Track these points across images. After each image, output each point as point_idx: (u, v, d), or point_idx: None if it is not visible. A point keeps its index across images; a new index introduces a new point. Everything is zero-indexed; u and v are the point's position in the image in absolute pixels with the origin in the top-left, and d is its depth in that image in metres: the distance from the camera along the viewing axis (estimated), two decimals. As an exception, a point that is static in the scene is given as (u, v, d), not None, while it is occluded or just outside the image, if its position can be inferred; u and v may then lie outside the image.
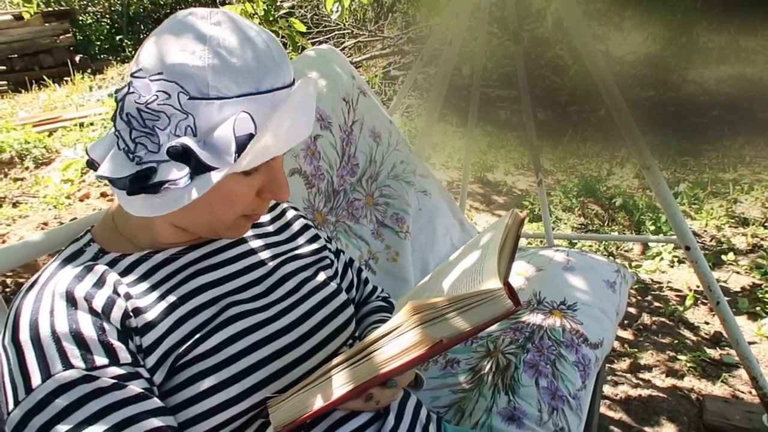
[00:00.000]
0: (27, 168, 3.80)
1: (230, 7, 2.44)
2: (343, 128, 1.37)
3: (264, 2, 2.50)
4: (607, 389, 1.99)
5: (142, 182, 0.66)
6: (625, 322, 2.42)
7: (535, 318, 1.30)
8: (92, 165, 0.71)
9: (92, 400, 0.61)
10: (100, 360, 0.64)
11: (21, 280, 2.51)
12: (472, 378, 1.19)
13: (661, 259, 2.93)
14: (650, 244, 3.06)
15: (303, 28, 2.55)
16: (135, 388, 0.64)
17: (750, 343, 2.15)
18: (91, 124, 4.60)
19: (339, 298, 0.88)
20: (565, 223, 3.44)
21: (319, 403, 0.67)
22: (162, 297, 0.73)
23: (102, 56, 8.41)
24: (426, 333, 0.64)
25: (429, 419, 0.89)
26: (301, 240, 0.94)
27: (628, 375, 2.08)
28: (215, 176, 0.65)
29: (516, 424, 1.08)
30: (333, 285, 0.89)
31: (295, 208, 1.01)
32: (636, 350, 2.23)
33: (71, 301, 0.66)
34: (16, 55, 6.89)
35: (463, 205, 2.43)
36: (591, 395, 1.25)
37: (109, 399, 0.62)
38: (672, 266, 2.90)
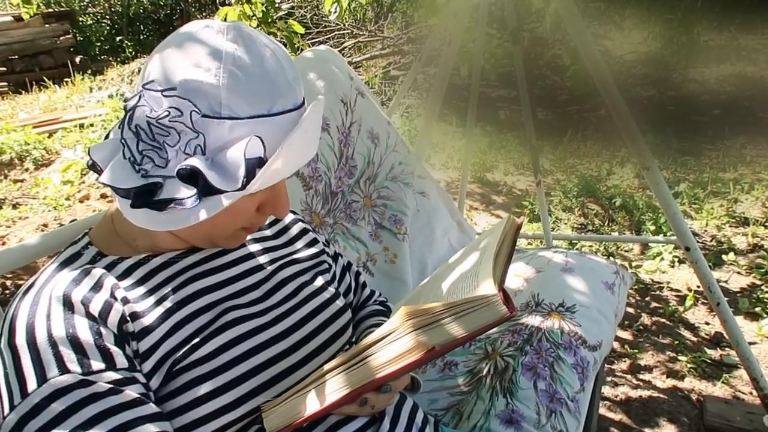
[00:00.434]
0: (27, 169, 3.80)
1: (228, 8, 2.44)
2: (341, 130, 1.36)
3: (262, 4, 2.50)
4: (606, 390, 1.98)
5: (147, 197, 0.65)
6: (625, 322, 2.41)
7: (533, 320, 1.29)
8: (94, 167, 0.71)
9: (88, 405, 0.61)
10: (97, 365, 0.63)
11: (20, 282, 2.51)
12: (470, 380, 1.19)
13: (662, 259, 2.93)
14: (650, 244, 3.06)
15: (301, 30, 2.55)
16: (131, 393, 0.64)
17: (750, 343, 2.14)
18: (91, 125, 4.60)
19: (336, 303, 0.87)
20: (565, 223, 3.43)
21: (312, 407, 0.66)
22: (159, 301, 0.72)
23: (102, 57, 8.42)
24: (419, 339, 0.64)
25: (425, 422, 0.89)
26: (299, 244, 0.94)
27: (628, 376, 2.08)
28: (225, 200, 0.65)
29: (514, 427, 1.08)
30: (331, 290, 0.89)
31: (293, 212, 1.01)
32: (636, 351, 2.23)
33: (68, 305, 0.66)
34: (16, 57, 6.90)
35: (461, 205, 2.43)
36: (590, 397, 1.24)
37: (105, 404, 0.61)
38: (672, 266, 2.90)
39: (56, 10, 8.16)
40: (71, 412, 0.60)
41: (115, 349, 0.66)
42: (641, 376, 2.08)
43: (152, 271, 0.75)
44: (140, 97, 0.65)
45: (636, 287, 2.70)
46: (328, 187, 1.31)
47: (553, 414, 1.11)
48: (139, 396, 0.64)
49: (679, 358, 2.18)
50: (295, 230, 0.96)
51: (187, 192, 0.64)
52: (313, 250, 0.94)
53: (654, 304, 2.57)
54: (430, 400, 1.17)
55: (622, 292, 1.49)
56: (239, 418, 0.70)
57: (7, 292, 2.45)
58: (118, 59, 8.06)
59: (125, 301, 0.70)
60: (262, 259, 0.86)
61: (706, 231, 3.27)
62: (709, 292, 1.62)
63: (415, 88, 5.69)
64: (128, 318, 0.69)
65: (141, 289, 0.73)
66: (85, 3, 9.48)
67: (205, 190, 0.64)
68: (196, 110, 0.63)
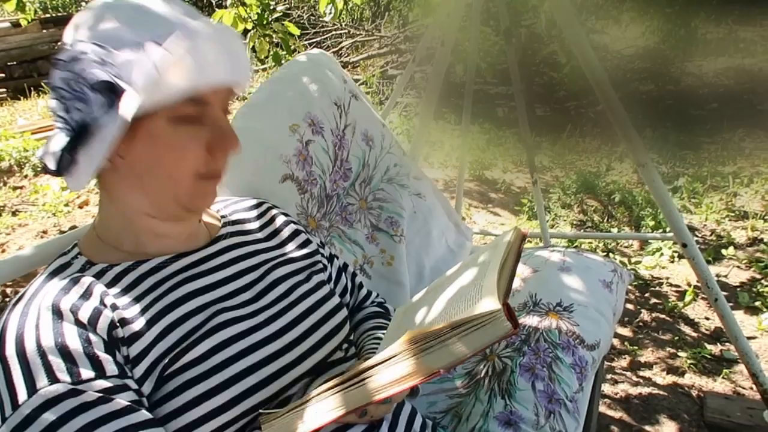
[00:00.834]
0: (26, 176, 3.80)
1: (223, 11, 2.44)
2: (336, 133, 1.36)
3: (257, 6, 2.50)
4: (606, 388, 1.98)
5: (81, 137, 0.69)
6: (625, 319, 2.41)
7: (531, 320, 1.29)
8: (45, 167, 0.73)
9: (79, 415, 0.61)
10: (86, 373, 0.63)
11: (20, 290, 2.51)
12: (468, 382, 1.19)
13: (661, 254, 2.93)
14: (650, 239, 3.05)
15: (297, 32, 2.55)
16: (121, 401, 0.64)
17: (750, 338, 2.15)
18: (89, 130, 4.59)
19: (331, 301, 0.88)
20: (564, 220, 3.43)
21: (311, 423, 0.66)
22: (149, 306, 0.73)
23: (99, 61, 8.38)
24: (423, 363, 0.63)
25: (424, 427, 0.89)
26: (291, 245, 0.94)
27: (628, 373, 2.08)
28: (131, 105, 0.67)
29: (513, 429, 1.08)
30: (325, 289, 0.89)
31: (286, 214, 1.01)
32: (636, 348, 2.23)
33: (57, 313, 0.66)
34: (14, 63, 6.89)
35: (459, 203, 2.43)
36: (589, 397, 1.24)
37: (96, 413, 0.61)
38: (672, 261, 2.89)
39: (54, 15, 8.15)
40: (62, 422, 0.60)
41: (104, 357, 0.66)
42: (641, 373, 2.08)
43: (141, 277, 0.76)
44: (54, 61, 0.70)
45: (635, 283, 2.70)
46: (323, 191, 1.31)
47: (552, 414, 1.11)
48: (129, 403, 0.64)
49: (679, 354, 2.18)
50: (287, 232, 0.96)
51: (102, 106, 0.68)
52: (306, 251, 0.95)
53: (653, 300, 2.57)
54: (428, 403, 1.17)
55: (621, 290, 1.48)
56: (233, 420, 0.71)
57: (7, 299, 2.46)
58: (116, 63, 8.04)
59: (114, 307, 0.70)
60: (254, 261, 0.86)
61: (705, 225, 3.26)
62: (707, 288, 1.62)
63: (413, 87, 5.69)
64: (118, 324, 0.69)
65: (130, 295, 0.73)
66: (82, 8, 9.47)
67: (117, 95, 0.67)
68: (99, 46, 0.68)
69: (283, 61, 2.61)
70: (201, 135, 0.74)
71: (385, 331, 0.93)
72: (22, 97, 6.29)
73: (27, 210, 3.40)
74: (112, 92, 0.67)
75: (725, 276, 2.72)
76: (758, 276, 2.70)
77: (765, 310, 2.41)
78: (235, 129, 1.20)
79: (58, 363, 0.63)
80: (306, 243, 0.97)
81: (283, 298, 0.83)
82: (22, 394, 0.61)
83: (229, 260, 0.84)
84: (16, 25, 6.77)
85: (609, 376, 2.05)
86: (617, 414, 1.87)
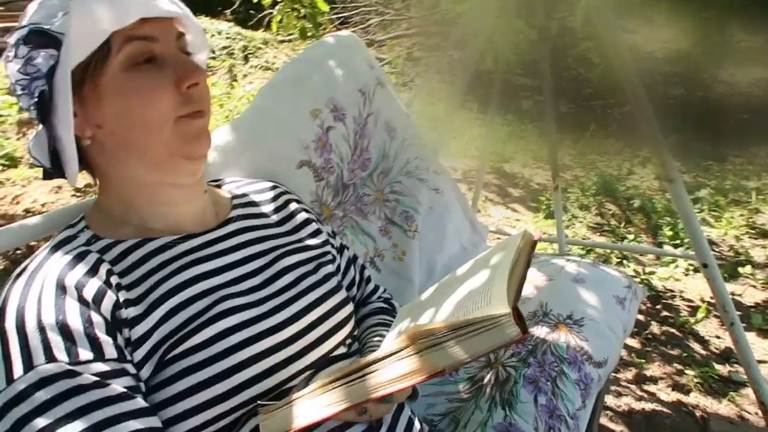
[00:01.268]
0: (44, 129, 3.80)
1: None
2: (358, 121, 1.33)
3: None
4: (609, 400, 1.96)
5: (42, 106, 0.70)
6: (634, 329, 2.38)
7: (539, 331, 1.26)
8: (46, 173, 0.76)
9: (73, 397, 0.59)
10: (85, 354, 0.62)
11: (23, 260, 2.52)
12: (470, 388, 1.16)
13: (676, 266, 2.87)
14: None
15: (326, 8, 2.50)
16: (117, 387, 0.62)
17: (761, 362, 2.10)
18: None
19: (338, 295, 0.86)
20: (581, 221, 3.38)
21: (310, 417, 0.65)
22: (154, 287, 0.71)
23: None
24: (426, 361, 0.62)
25: (421, 433, 0.87)
26: (302, 234, 0.92)
27: (633, 386, 2.05)
28: (64, 56, 0.67)
29: (511, 441, 1.06)
30: (333, 281, 0.87)
31: (299, 201, 0.98)
32: (643, 361, 2.19)
33: (61, 288, 0.65)
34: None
35: (477, 197, 2.38)
36: (590, 414, 1.22)
37: (90, 397, 0.60)
38: (687, 275, 2.84)
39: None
40: (55, 403, 0.59)
41: (105, 339, 0.64)
42: (646, 387, 2.05)
43: (147, 255, 0.74)
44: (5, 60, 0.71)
45: (648, 294, 2.66)
46: (339, 179, 1.28)
47: (551, 430, 1.09)
48: (125, 390, 0.63)
49: (686, 371, 2.14)
50: (299, 219, 0.94)
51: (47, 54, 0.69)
52: (316, 241, 0.92)
53: (665, 313, 2.53)
54: (427, 404, 1.15)
55: (633, 308, 1.45)
56: (232, 409, 0.69)
57: (12, 266, 2.46)
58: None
59: (119, 287, 0.69)
60: (263, 246, 0.84)
61: (724, 240, 3.20)
62: (724, 312, 1.58)
63: (440, 71, 5.61)
64: (122, 304, 0.68)
65: (135, 274, 0.71)
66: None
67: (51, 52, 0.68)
68: (35, 27, 0.69)
69: (309, 35, 2.58)
70: (164, 75, 0.72)
71: (389, 329, 0.91)
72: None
73: (43, 164, 3.40)
74: (54, 42, 0.68)
75: (740, 295, 2.67)
76: (774, 298, 2.65)
77: (778, 334, 2.36)
78: (255, 108, 1.19)
79: (57, 341, 0.62)
80: (317, 233, 0.95)
81: (290, 287, 0.81)
82: (18, 369, 0.60)
83: (238, 244, 0.82)
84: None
85: (613, 388, 2.03)
86: (618, 428, 1.85)
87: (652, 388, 2.05)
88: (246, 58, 5.55)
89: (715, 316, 2.49)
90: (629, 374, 2.12)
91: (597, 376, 1.23)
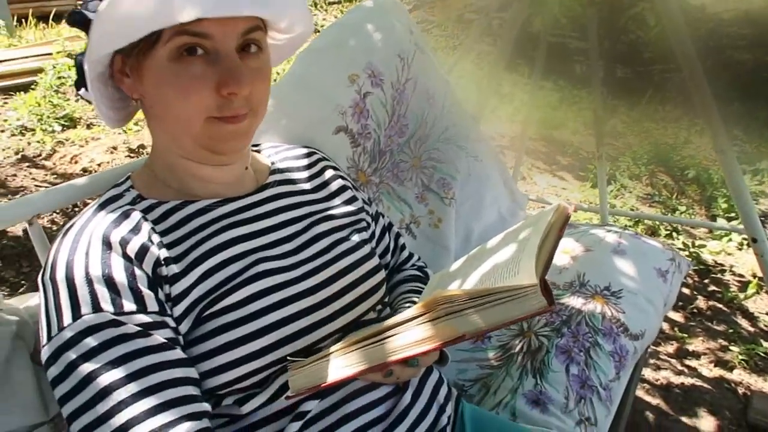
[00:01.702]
0: (101, 91, 3.92)
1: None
2: (396, 86, 1.32)
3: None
4: (647, 373, 1.93)
5: (79, 76, 0.72)
6: (678, 303, 2.32)
7: (575, 301, 1.25)
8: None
9: (117, 345, 0.63)
10: (129, 306, 0.66)
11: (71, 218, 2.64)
12: (501, 356, 1.17)
13: (730, 240, 2.77)
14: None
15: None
16: (159, 337, 0.66)
17: (812, 341, 2.03)
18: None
19: (371, 262, 0.87)
20: (630, 192, 3.29)
21: (334, 375, 0.67)
22: (193, 247, 0.74)
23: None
24: (445, 326, 0.62)
25: (448, 398, 0.89)
26: (337, 200, 0.93)
27: (673, 360, 2.01)
28: (95, 28, 0.67)
29: (540, 409, 1.06)
30: (366, 248, 0.88)
31: (335, 168, 0.99)
32: (685, 335, 2.14)
33: (107, 244, 0.69)
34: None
35: (519, 164, 2.34)
36: (625, 386, 1.21)
37: (133, 345, 0.64)
38: (740, 249, 2.73)
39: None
40: (101, 350, 0.63)
41: (147, 292, 0.68)
42: (687, 362, 2.01)
43: (188, 217, 0.77)
44: None
45: (696, 267, 2.58)
46: (376, 145, 1.28)
47: (583, 400, 1.09)
48: (166, 341, 0.66)
49: (731, 347, 2.08)
50: (335, 186, 0.95)
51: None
52: (351, 208, 0.93)
53: (712, 288, 2.45)
54: (458, 370, 1.17)
55: (676, 281, 1.41)
56: (263, 367, 0.72)
57: (55, 226, 2.58)
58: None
59: (161, 245, 0.72)
60: (299, 212, 0.86)
61: (783, 214, 3.05)
62: (773, 288, 1.52)
63: (490, 34, 5.45)
64: (162, 262, 0.71)
65: (176, 234, 0.74)
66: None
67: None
68: None
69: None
70: (208, 74, 0.69)
71: (420, 296, 0.92)
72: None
73: (100, 124, 3.51)
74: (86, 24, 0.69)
75: (796, 271, 2.55)
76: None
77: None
78: (293, 74, 1.20)
79: (103, 292, 0.65)
80: (352, 200, 0.95)
81: (324, 253, 0.83)
82: (67, 317, 0.64)
83: (274, 209, 0.84)
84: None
85: (652, 361, 1.99)
86: (655, 401, 1.82)
87: (693, 363, 2.01)
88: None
89: (767, 293, 2.40)
90: (670, 348, 2.08)
91: (633, 348, 1.21)
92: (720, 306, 2.33)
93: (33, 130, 3.20)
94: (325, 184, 0.94)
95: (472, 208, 1.47)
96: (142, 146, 3.20)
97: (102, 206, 0.75)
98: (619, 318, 1.22)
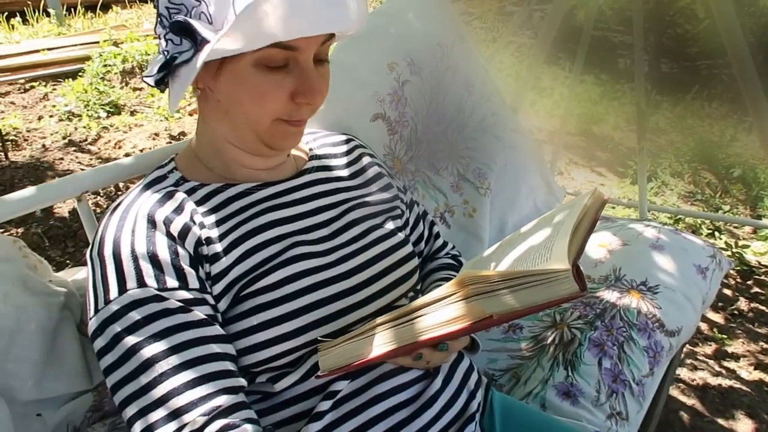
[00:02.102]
0: (145, 79, 4.01)
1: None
2: (435, 74, 1.32)
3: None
4: (683, 373, 1.89)
5: (164, 69, 0.70)
6: (719, 304, 2.26)
7: (609, 295, 1.24)
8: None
9: (160, 319, 0.66)
10: (171, 282, 0.69)
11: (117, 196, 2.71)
12: (533, 347, 1.17)
13: (775, 241, 2.68)
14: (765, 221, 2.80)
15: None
16: (199, 313, 0.69)
17: None
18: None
19: (404, 249, 0.87)
20: (672, 189, 3.21)
21: (363, 356, 0.68)
22: (233, 229, 0.76)
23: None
24: (474, 306, 0.62)
25: (478, 385, 0.89)
26: (373, 187, 0.94)
27: (711, 361, 1.96)
28: (208, 48, 0.66)
29: (570, 401, 1.06)
30: (400, 236, 0.89)
31: (372, 155, 1.00)
32: (725, 336, 2.09)
33: (152, 223, 0.72)
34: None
35: (556, 158, 2.30)
36: (659, 383, 1.19)
37: (175, 320, 0.67)
38: (786, 251, 2.65)
39: None
40: (145, 323, 0.66)
41: (189, 270, 0.71)
42: (725, 364, 1.96)
43: (228, 200, 0.79)
44: None
45: (738, 268, 2.50)
46: (414, 134, 1.29)
47: (615, 394, 1.08)
48: (206, 317, 0.69)
49: (773, 351, 2.03)
50: (371, 173, 0.96)
51: (185, 49, 0.68)
52: (386, 195, 0.94)
53: (755, 289, 2.38)
54: (489, 359, 1.17)
55: (716, 279, 1.38)
56: (296, 348, 0.74)
57: (98, 199, 2.66)
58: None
59: (202, 225, 0.74)
60: (334, 199, 0.87)
61: (833, 216, 2.94)
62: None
63: (530, 26, 5.37)
64: (204, 242, 0.73)
65: (217, 216, 0.77)
66: None
67: (200, 43, 0.68)
68: None
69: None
70: (285, 83, 0.73)
71: None
72: (150, 1, 6.55)
73: (143, 111, 3.60)
74: (191, 36, 0.68)
75: None
76: None
77: None
78: (333, 62, 1.20)
79: (147, 269, 0.69)
80: (387, 187, 0.96)
81: (358, 239, 0.84)
82: (113, 291, 0.67)
83: (311, 195, 0.86)
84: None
85: (688, 361, 1.95)
86: (690, 401, 1.79)
87: (731, 364, 1.96)
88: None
89: (814, 296, 2.32)
90: (708, 349, 2.03)
91: (668, 344, 1.19)
92: (763, 308, 2.26)
93: (80, 115, 3.30)
94: (362, 171, 0.95)
95: (507, 199, 1.46)
96: (182, 133, 3.28)
97: (147, 186, 0.78)
98: (655, 313, 1.20)
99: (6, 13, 4.70)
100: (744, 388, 1.85)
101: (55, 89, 3.59)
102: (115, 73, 3.80)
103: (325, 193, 0.87)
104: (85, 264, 0.75)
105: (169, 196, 0.76)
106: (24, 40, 4.38)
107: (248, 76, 0.71)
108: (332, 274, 0.78)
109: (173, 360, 0.65)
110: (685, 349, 1.89)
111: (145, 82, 0.73)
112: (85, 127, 3.18)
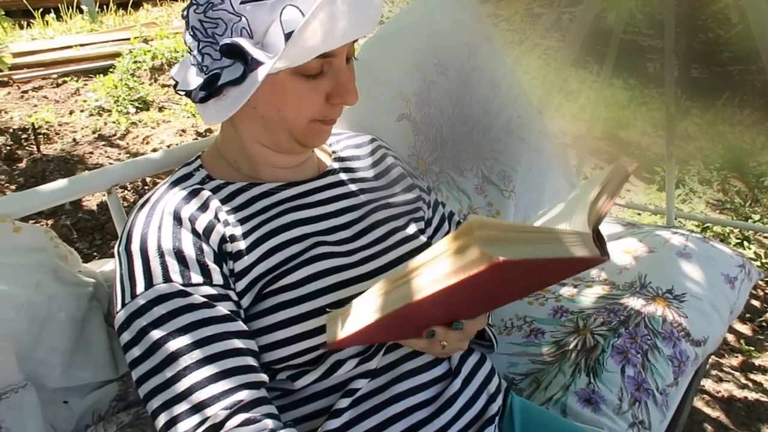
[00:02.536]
0: (174, 76, 4.06)
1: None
2: (461, 75, 1.31)
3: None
4: (708, 384, 1.85)
5: (209, 88, 0.70)
6: (746, 315, 2.21)
7: (634, 302, 1.22)
8: (176, 86, 0.77)
9: (185, 314, 0.68)
10: (196, 278, 0.70)
11: (144, 191, 2.75)
12: (554, 351, 1.16)
13: (806, 252, 2.61)
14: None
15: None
16: (222, 309, 0.70)
17: None
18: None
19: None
20: (700, 197, 3.15)
21: (365, 321, 0.63)
22: (256, 228, 0.77)
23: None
24: (484, 251, 0.51)
25: (498, 389, 0.89)
26: (397, 188, 0.94)
27: (737, 373, 1.92)
28: (263, 70, 0.67)
29: (592, 408, 1.04)
30: (422, 238, 0.89)
31: (396, 156, 1.00)
32: (752, 348, 2.04)
33: (178, 220, 0.73)
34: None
35: (582, 162, 2.28)
36: (683, 393, 1.17)
37: (199, 315, 0.68)
38: (818, 262, 2.58)
39: None
40: (170, 317, 0.67)
41: (213, 266, 0.72)
42: (752, 376, 1.91)
43: (253, 198, 0.80)
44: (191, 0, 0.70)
45: (767, 279, 2.45)
46: (439, 134, 1.29)
47: (637, 403, 1.06)
48: (229, 313, 0.70)
49: (802, 365, 1.98)
50: (395, 173, 0.96)
51: (236, 72, 0.68)
52: (409, 196, 0.94)
53: (785, 301, 2.33)
54: (509, 363, 1.16)
55: (744, 289, 1.35)
56: (317, 346, 0.74)
57: (126, 192, 2.70)
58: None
59: (226, 223, 0.76)
60: (357, 200, 0.88)
61: None
62: None
63: (558, 29, 5.32)
64: (228, 239, 0.74)
65: (241, 214, 0.78)
66: None
67: (252, 66, 0.68)
68: None
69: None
70: (321, 86, 0.74)
71: None
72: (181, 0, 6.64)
73: (171, 108, 3.65)
74: (242, 57, 0.68)
75: None
76: None
77: None
78: (359, 61, 1.21)
79: (173, 264, 0.70)
80: (411, 188, 0.96)
81: (380, 241, 0.84)
82: (140, 285, 0.69)
83: (334, 196, 0.86)
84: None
85: (714, 372, 1.91)
86: (715, 413, 1.75)
87: (759, 377, 1.91)
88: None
89: None
90: (734, 360, 1.99)
91: (694, 354, 1.17)
92: (792, 321, 2.21)
93: (109, 110, 3.36)
94: (386, 171, 0.96)
95: (531, 202, 1.45)
96: (209, 130, 3.31)
97: (174, 184, 0.79)
98: (681, 322, 1.18)
99: (41, 10, 4.80)
100: (770, 401, 1.81)
101: (86, 84, 3.65)
102: (145, 70, 3.85)
103: (348, 195, 0.88)
104: (112, 256, 0.76)
105: (195, 193, 0.77)
106: (58, 36, 4.48)
107: (286, 84, 0.73)
108: (354, 274, 0.78)
109: (197, 354, 0.66)
110: (710, 360, 1.86)
111: (178, 92, 0.74)
112: (114, 122, 3.23)
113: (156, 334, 0.66)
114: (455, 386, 0.80)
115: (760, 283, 2.41)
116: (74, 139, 3.02)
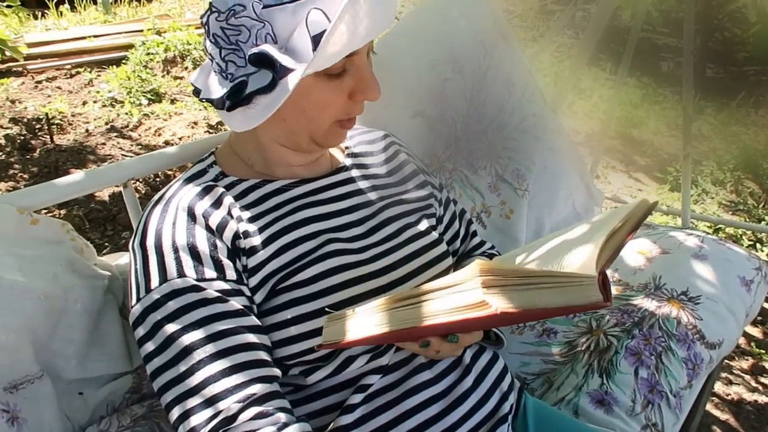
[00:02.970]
0: (186, 68, 4.07)
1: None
2: (477, 74, 1.31)
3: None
4: (718, 387, 1.84)
5: (236, 96, 0.69)
6: (758, 318, 2.19)
7: (648, 303, 1.21)
8: (197, 93, 0.76)
9: (198, 308, 0.68)
10: (209, 273, 0.70)
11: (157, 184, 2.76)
12: (567, 352, 1.15)
13: (821, 255, 2.59)
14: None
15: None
16: (236, 304, 0.70)
17: None
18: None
19: (438, 248, 0.87)
20: (712, 198, 3.12)
21: (362, 333, 0.65)
22: (269, 224, 0.77)
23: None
24: (485, 298, 0.56)
25: (511, 388, 0.88)
26: (409, 185, 0.94)
27: (747, 376, 1.91)
28: (294, 78, 0.67)
29: (604, 409, 1.04)
30: (434, 234, 0.89)
31: (409, 153, 1.00)
32: (763, 352, 2.03)
33: (192, 216, 0.73)
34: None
35: (596, 161, 2.26)
36: (697, 396, 1.16)
37: (213, 309, 0.68)
38: (832, 266, 2.55)
39: None
40: (184, 312, 0.68)
41: (226, 262, 0.72)
42: (762, 380, 1.90)
43: (266, 195, 0.80)
44: (210, 6, 0.69)
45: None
46: (453, 132, 1.28)
47: (651, 405, 1.06)
48: (242, 307, 0.70)
49: (814, 369, 1.96)
50: (407, 170, 0.96)
51: (265, 80, 0.68)
52: (422, 193, 0.94)
53: (798, 305, 2.30)
54: (521, 362, 1.16)
55: (761, 292, 1.34)
56: None
57: (137, 184, 2.71)
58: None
59: (239, 219, 0.76)
60: (371, 196, 0.88)
61: None
62: None
63: (572, 26, 5.28)
64: (241, 235, 0.75)
65: (254, 211, 0.78)
66: None
67: (281, 73, 0.67)
68: (257, 1, 0.67)
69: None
70: (344, 85, 0.74)
71: None
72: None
73: (183, 100, 3.66)
74: (270, 65, 0.68)
75: None
76: None
77: None
78: (374, 57, 1.20)
79: (187, 260, 0.70)
80: (423, 185, 0.96)
81: (392, 238, 0.84)
82: (155, 280, 0.70)
83: (346, 192, 0.86)
84: None
85: (724, 375, 1.90)
86: (724, 416, 1.74)
87: (769, 381, 1.90)
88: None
89: None
90: (744, 364, 1.98)
91: (708, 357, 1.16)
92: (805, 324, 2.19)
93: (122, 102, 3.37)
94: (398, 168, 0.95)
95: (545, 201, 1.44)
96: (220, 122, 3.32)
97: (188, 180, 0.79)
98: (695, 324, 1.18)
99: (55, 0, 4.82)
100: (782, 405, 1.80)
101: (99, 75, 3.67)
102: (157, 62, 3.86)
103: (361, 191, 0.88)
104: (123, 247, 0.76)
105: (209, 190, 0.77)
106: (72, 27, 4.50)
107: (310, 87, 0.72)
108: (366, 271, 0.78)
109: (210, 348, 0.66)
110: (722, 364, 1.85)
111: (202, 100, 0.74)
112: (127, 113, 3.25)
113: (170, 328, 0.67)
114: (467, 383, 0.80)
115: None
116: (87, 130, 3.03)
